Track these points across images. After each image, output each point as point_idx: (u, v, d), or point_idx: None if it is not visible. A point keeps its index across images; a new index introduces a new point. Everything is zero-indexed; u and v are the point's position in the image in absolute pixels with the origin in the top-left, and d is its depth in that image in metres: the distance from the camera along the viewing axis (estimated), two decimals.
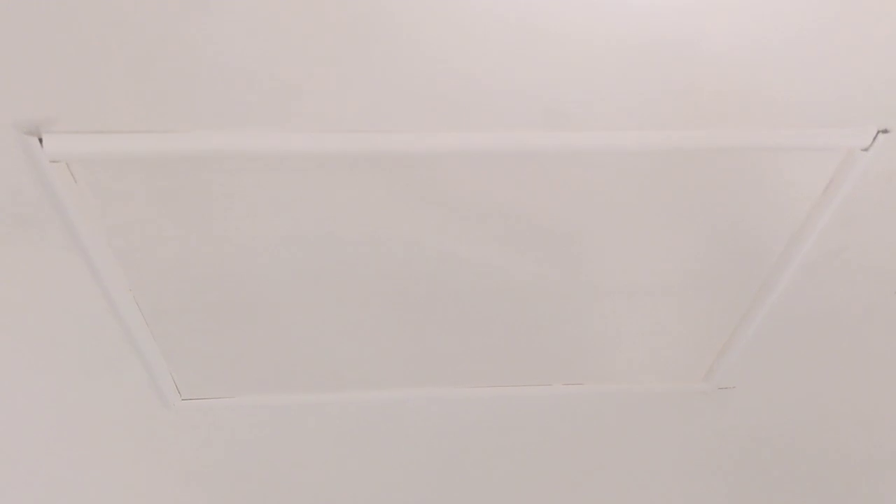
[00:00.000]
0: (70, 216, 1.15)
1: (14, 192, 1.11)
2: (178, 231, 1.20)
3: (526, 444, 1.73)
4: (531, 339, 1.47)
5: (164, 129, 1.05)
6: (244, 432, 1.64)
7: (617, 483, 1.87)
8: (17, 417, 1.55)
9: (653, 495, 1.90)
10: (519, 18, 0.96)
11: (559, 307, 1.40)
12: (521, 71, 1.01)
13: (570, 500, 1.91)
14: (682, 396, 1.63)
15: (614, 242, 1.28)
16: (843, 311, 1.43)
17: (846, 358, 1.55)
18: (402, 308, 1.38)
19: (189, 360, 1.46)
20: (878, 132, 1.13)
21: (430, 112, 1.06)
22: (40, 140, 1.04)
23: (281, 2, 0.93)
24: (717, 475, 1.85)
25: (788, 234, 1.28)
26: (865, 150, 1.14)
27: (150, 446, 1.65)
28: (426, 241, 1.25)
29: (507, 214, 1.22)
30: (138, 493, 1.77)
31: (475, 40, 0.98)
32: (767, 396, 1.63)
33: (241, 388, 1.54)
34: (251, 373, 1.50)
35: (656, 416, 1.67)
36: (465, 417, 1.64)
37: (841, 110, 1.10)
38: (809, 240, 1.28)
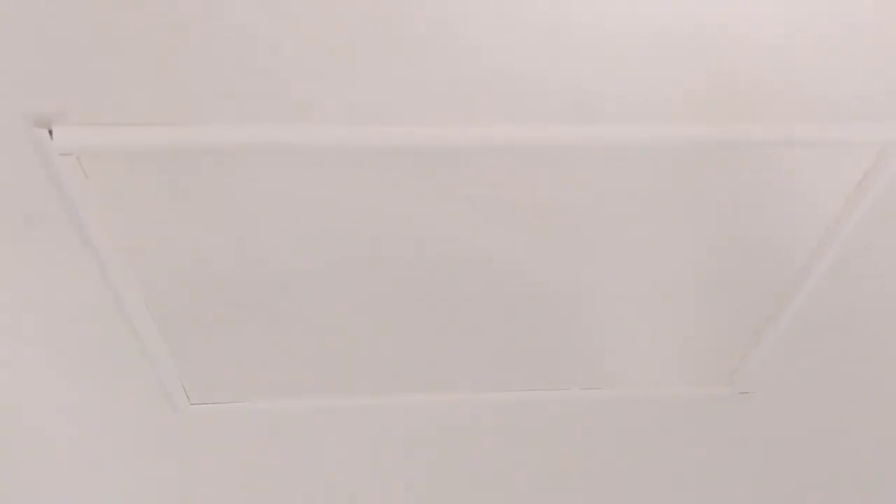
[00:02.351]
0: (80, 212, 1.12)
1: (22, 187, 1.08)
2: (191, 229, 1.17)
3: (542, 449, 1.71)
4: (548, 342, 1.45)
5: (180, 121, 1.02)
6: (254, 437, 1.61)
7: (636, 489, 1.84)
8: (22, 421, 1.52)
9: (673, 501, 1.88)
10: (546, 4, 0.93)
11: (578, 309, 1.38)
12: (544, 60, 0.98)
13: None
14: (703, 401, 1.60)
15: (636, 241, 1.25)
16: (873, 314, 1.41)
17: (874, 363, 1.52)
18: (417, 311, 1.35)
19: (199, 363, 1.43)
20: None
21: (453, 105, 1.03)
22: (50, 132, 1.01)
23: None
24: (739, 481, 1.83)
25: (818, 233, 1.25)
26: None
27: (159, 452, 1.63)
28: (445, 243, 1.23)
29: (528, 212, 1.19)
30: (146, 499, 1.75)
31: (499, 31, 0.95)
32: (792, 402, 1.61)
33: (252, 392, 1.51)
34: (262, 377, 1.48)
35: (677, 421, 1.65)
36: (482, 422, 1.62)
37: (875, 103, 1.07)
38: (839, 240, 1.25)
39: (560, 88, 1.02)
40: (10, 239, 1.16)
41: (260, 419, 1.57)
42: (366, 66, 0.98)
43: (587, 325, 1.41)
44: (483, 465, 1.74)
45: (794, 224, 1.24)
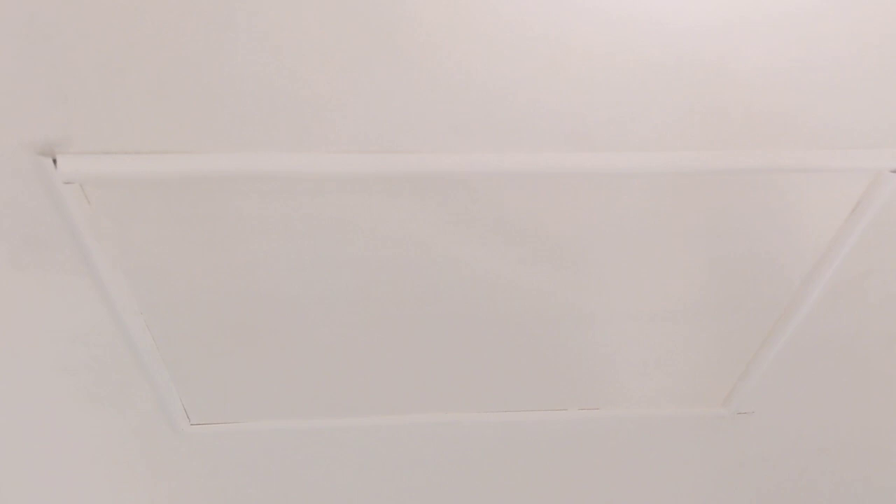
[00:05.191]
0: (83, 238, 1.13)
1: (27, 214, 1.09)
2: (191, 254, 1.18)
3: (541, 469, 1.71)
4: (547, 363, 1.45)
5: (180, 150, 1.03)
6: (254, 458, 1.62)
7: None
8: (24, 442, 1.52)
9: None
10: (547, 37, 0.95)
11: (577, 331, 1.38)
12: (547, 91, 1.00)
13: None
14: (699, 421, 1.61)
15: (635, 265, 1.26)
16: (866, 337, 1.41)
17: (867, 384, 1.53)
18: (415, 332, 1.36)
19: (199, 384, 1.44)
20: None
21: (453, 133, 1.04)
22: (54, 161, 1.02)
23: (303, 20, 0.91)
24: (735, 501, 1.83)
25: (813, 257, 1.26)
26: (894, 171, 1.12)
27: (159, 472, 1.63)
28: (442, 265, 1.24)
29: (526, 237, 1.20)
30: None
31: (503, 60, 0.96)
32: (786, 422, 1.61)
33: (252, 412, 1.52)
34: (262, 397, 1.48)
35: (673, 440, 1.65)
36: (480, 442, 1.62)
37: (869, 131, 1.08)
38: (834, 264, 1.26)
39: (559, 117, 1.03)
40: (15, 263, 1.17)
41: (260, 440, 1.58)
42: (368, 96, 0.99)
43: (586, 346, 1.42)
44: (480, 484, 1.74)
45: (790, 248, 1.25)
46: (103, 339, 1.31)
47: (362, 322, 1.33)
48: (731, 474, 1.75)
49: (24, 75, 0.94)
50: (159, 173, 1.05)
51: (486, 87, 0.99)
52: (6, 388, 1.40)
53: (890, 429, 1.64)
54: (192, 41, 0.92)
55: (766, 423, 1.61)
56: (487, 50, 0.95)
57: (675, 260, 1.26)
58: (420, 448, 1.62)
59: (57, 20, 0.89)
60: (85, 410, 1.46)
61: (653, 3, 0.93)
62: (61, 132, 1.00)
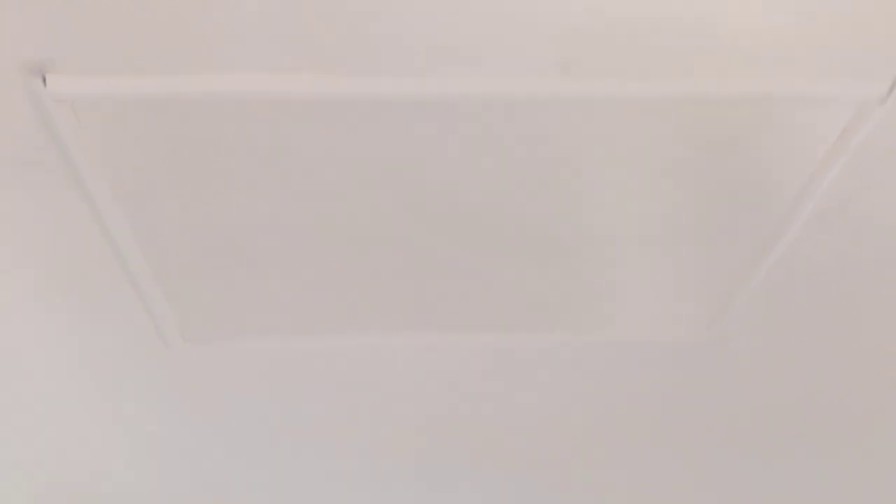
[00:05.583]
0: (73, 158, 1.13)
1: (16, 134, 1.10)
2: (183, 174, 1.19)
3: (521, 393, 1.74)
4: (530, 286, 1.47)
5: (173, 70, 1.03)
6: (248, 375, 1.64)
7: (613, 434, 1.87)
8: (17, 362, 1.55)
9: (650, 446, 1.91)
10: None
11: (560, 255, 1.40)
12: (529, 15, 0.99)
13: (565, 452, 1.93)
14: (682, 347, 1.63)
15: (619, 191, 1.27)
16: (850, 266, 1.43)
17: (850, 313, 1.54)
18: (407, 252, 1.37)
19: (192, 302, 1.46)
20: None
21: (439, 56, 1.04)
22: (44, 79, 1.02)
23: None
24: (716, 426, 1.86)
25: (797, 186, 1.27)
26: (882, 101, 1.13)
27: (153, 389, 1.65)
28: (429, 187, 1.24)
29: (511, 160, 1.20)
30: (139, 436, 1.78)
31: None
32: (769, 349, 1.63)
33: (245, 330, 1.53)
34: (256, 315, 1.50)
35: (655, 366, 1.67)
36: (466, 363, 1.65)
37: (856, 60, 1.08)
38: (818, 192, 1.27)
39: (547, 44, 1.03)
40: (6, 183, 1.17)
41: (254, 357, 1.60)
42: (357, 16, 0.98)
43: (568, 271, 1.43)
44: (468, 401, 1.77)
45: (773, 177, 1.26)
46: (94, 257, 1.32)
47: (357, 241, 1.34)
48: (712, 400, 1.78)
49: None
50: (151, 94, 1.05)
51: (471, 10, 0.98)
52: None
53: (870, 357, 1.66)
54: None
55: (749, 349, 1.63)
56: None
57: (658, 187, 1.27)
58: (412, 367, 1.65)
59: None
60: (77, 328, 1.48)
61: None
62: (51, 51, 0.99)
